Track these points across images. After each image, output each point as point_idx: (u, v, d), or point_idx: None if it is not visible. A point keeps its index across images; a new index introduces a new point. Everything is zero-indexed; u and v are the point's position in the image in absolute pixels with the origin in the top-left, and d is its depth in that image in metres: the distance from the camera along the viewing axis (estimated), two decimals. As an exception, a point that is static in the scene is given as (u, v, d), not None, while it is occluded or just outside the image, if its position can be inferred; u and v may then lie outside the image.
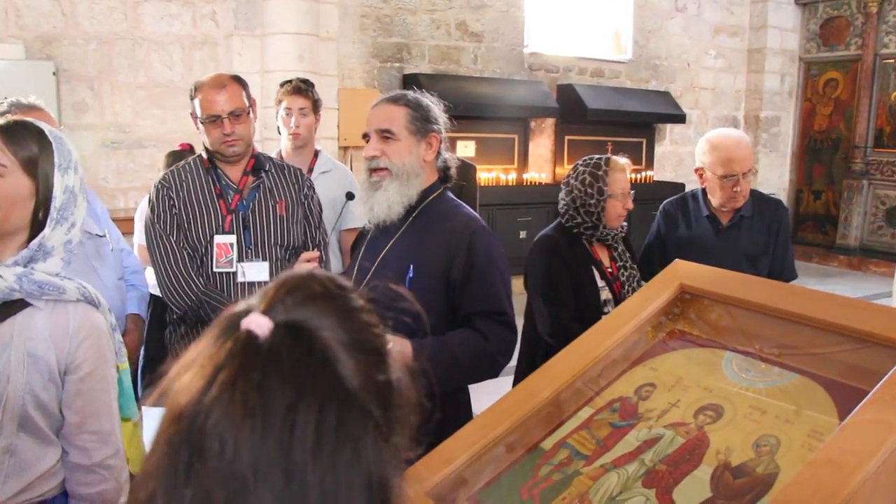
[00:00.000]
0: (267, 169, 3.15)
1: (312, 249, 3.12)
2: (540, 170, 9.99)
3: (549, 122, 10.03)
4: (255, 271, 2.95)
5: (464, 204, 2.65)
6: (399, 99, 2.65)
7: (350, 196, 3.36)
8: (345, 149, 7.94)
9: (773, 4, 11.73)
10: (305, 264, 2.86)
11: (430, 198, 2.67)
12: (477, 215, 2.64)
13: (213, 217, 3.02)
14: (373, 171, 2.63)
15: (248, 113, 3.03)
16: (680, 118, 10.70)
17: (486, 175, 9.36)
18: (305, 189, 3.20)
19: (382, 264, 2.60)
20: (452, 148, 2.71)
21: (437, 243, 2.56)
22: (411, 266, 2.56)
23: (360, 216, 2.73)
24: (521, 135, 9.69)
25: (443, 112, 2.67)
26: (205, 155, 3.11)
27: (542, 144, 10.00)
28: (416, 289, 2.43)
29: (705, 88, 11.29)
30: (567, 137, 10.17)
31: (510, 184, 9.46)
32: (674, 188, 10.24)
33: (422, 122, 2.61)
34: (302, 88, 3.95)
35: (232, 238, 2.98)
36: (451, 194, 2.71)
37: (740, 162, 3.52)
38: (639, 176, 10.50)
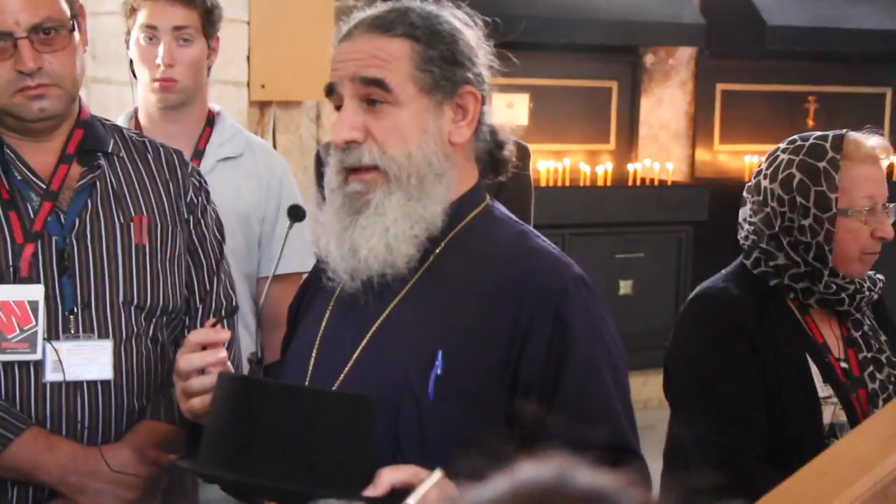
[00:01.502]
0: (110, 150, 2.12)
1: (206, 315, 2.14)
2: (663, 155, 7.07)
3: (684, 56, 7.26)
4: (84, 361, 1.99)
5: (531, 228, 1.80)
6: (396, 21, 1.70)
7: (296, 215, 1.93)
8: (262, 105, 5.85)
9: None
10: (202, 355, 1.71)
11: (470, 216, 1.75)
12: (561, 254, 1.77)
13: None
14: (350, 171, 1.70)
15: (71, 31, 2.03)
16: (965, 40, 7.65)
17: (550, 164, 6.72)
18: (191, 191, 2.18)
19: (374, 352, 1.70)
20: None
21: (489, 309, 1.68)
22: (439, 353, 1.65)
23: (302, 252, 2.26)
24: (623, 82, 6.99)
25: (483, 40, 1.77)
26: None
27: (668, 102, 7.16)
28: (449, 397, 1.64)
29: None
30: (721, 87, 7.21)
31: (600, 182, 6.64)
32: None
33: (446, 66, 1.69)
34: None
35: (35, 291, 2.00)
36: (501, 207, 1.83)
37: None
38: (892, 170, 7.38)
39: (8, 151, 1.99)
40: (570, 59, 6.91)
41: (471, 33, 1.74)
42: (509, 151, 1.81)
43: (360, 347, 1.70)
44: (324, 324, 1.76)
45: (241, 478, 1.48)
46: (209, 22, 2.82)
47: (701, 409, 2.49)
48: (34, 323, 1.96)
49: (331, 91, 1.69)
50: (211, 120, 2.82)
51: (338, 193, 1.70)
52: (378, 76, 1.62)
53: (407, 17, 1.72)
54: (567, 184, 6.60)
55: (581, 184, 6.57)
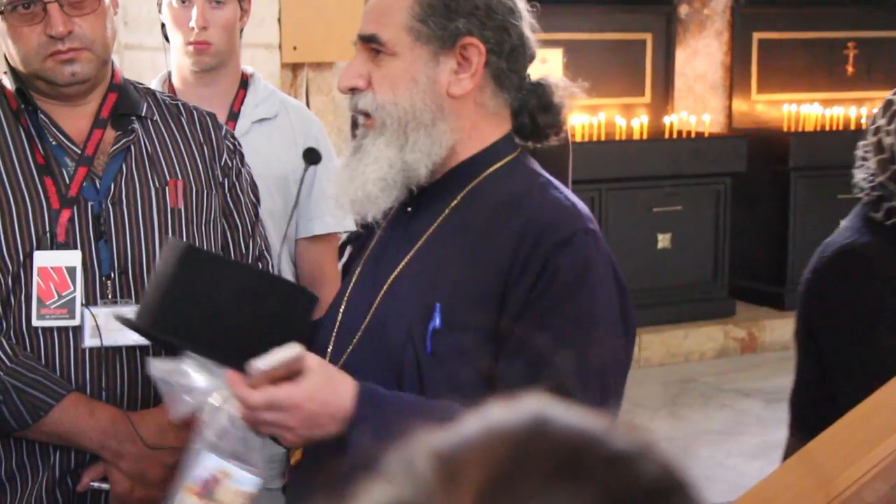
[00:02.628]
0: (143, 114, 2.09)
1: None
2: (699, 107, 6.94)
3: (720, 5, 7.14)
4: (122, 327, 1.88)
5: (554, 181, 1.74)
6: None
7: (312, 158, 2.05)
8: (294, 67, 5.75)
9: None
10: None
11: (491, 169, 1.72)
12: (579, 205, 1.71)
13: (31, 213, 1.99)
14: (362, 128, 1.75)
15: None
16: None
17: (584, 119, 6.64)
18: (225, 154, 2.15)
19: (384, 309, 1.71)
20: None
21: (490, 258, 1.66)
22: (437, 306, 1.65)
23: (338, 211, 2.12)
24: (658, 33, 6.81)
25: None
26: (9, 84, 2.05)
27: (704, 53, 7.06)
28: (445, 350, 1.62)
29: None
30: (758, 35, 7.00)
31: (636, 136, 6.47)
32: None
33: (445, 16, 1.67)
34: None
35: (73, 256, 1.97)
36: (535, 163, 1.77)
37: None
38: None
39: (42, 116, 1.96)
40: (602, 13, 6.74)
41: None
42: (559, 115, 1.74)
43: (376, 302, 1.70)
44: (353, 281, 1.78)
45: (147, 331, 1.59)
46: None
47: (861, 364, 2.40)
48: (72, 289, 1.94)
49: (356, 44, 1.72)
50: (245, 82, 2.76)
51: (354, 138, 1.75)
52: (371, 31, 1.65)
53: None
54: (602, 138, 6.43)
55: (616, 138, 6.41)
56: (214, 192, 2.07)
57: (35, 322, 1.92)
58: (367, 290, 1.72)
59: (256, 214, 2.15)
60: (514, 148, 1.71)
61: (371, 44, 1.65)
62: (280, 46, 5.88)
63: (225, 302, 1.52)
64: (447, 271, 1.65)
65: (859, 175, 2.41)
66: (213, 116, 2.13)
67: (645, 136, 6.32)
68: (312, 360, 1.47)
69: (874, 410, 1.61)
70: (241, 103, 2.74)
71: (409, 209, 1.71)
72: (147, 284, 1.60)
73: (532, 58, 1.73)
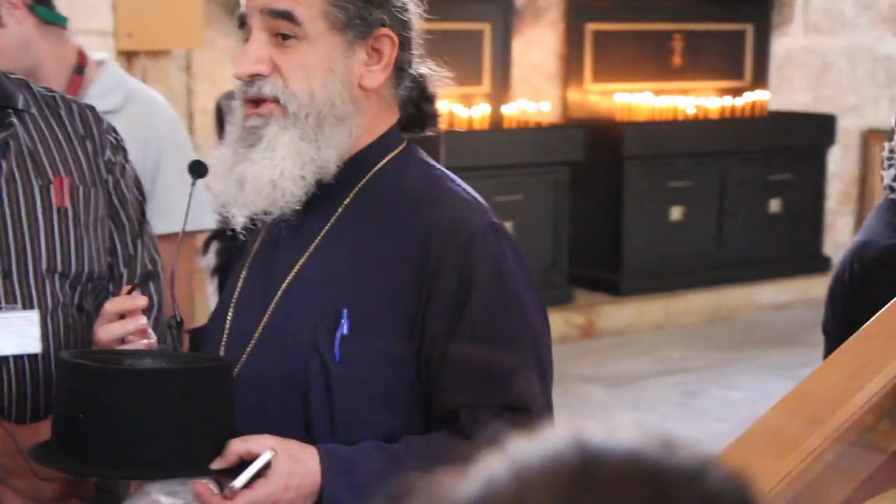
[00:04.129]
0: (20, 107, 1.95)
1: (131, 280, 1.98)
2: (536, 97, 6.90)
3: None
4: (9, 334, 1.86)
5: (448, 173, 1.70)
6: None
7: (198, 171, 1.82)
8: (129, 56, 5.43)
9: None
10: (120, 324, 1.64)
11: (382, 163, 1.66)
12: (478, 198, 1.66)
13: None
14: (251, 104, 1.62)
15: None
16: (825, -22, 7.55)
17: None
18: (108, 150, 2.02)
19: (282, 313, 1.63)
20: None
21: (395, 261, 1.60)
22: (344, 311, 1.58)
23: (194, 210, 1.88)
24: (496, 25, 6.78)
25: None
26: None
27: (539, 44, 7.06)
28: (356, 358, 1.57)
29: None
30: (590, 26, 7.07)
31: (476, 125, 6.41)
32: (812, 126, 7.35)
33: (361, 4, 1.60)
34: None
35: None
36: (423, 153, 1.72)
37: None
38: (736, 102, 7.24)
39: None
40: (441, 2, 6.39)
41: None
42: (436, 104, 1.70)
43: (270, 308, 1.61)
44: (239, 285, 1.68)
45: (76, 468, 1.42)
46: None
47: None
48: None
49: (242, 23, 1.59)
50: (80, 67, 2.57)
51: (237, 127, 1.62)
52: (287, 8, 1.53)
53: None
54: (445, 127, 6.21)
55: (457, 128, 6.25)
56: (100, 189, 1.96)
57: None
58: (256, 295, 1.63)
59: (143, 212, 2.05)
60: (400, 139, 1.66)
61: (280, 21, 1.54)
62: (114, 33, 5.60)
63: (141, 414, 1.39)
64: (350, 274, 1.58)
65: (888, 175, 2.38)
66: (92, 109, 2.01)
67: (486, 126, 6.28)
68: (272, 442, 1.41)
69: (796, 405, 1.53)
70: (76, 91, 2.53)
71: (299, 207, 1.60)
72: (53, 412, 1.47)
73: (413, 44, 1.66)
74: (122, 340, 1.54)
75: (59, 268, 1.86)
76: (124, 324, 1.56)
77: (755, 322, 6.45)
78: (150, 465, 1.38)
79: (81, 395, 1.40)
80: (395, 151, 1.64)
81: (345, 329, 1.55)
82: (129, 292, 1.62)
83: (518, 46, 6.68)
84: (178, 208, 2.44)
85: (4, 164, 1.84)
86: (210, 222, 2.62)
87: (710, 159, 6.59)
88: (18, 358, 1.78)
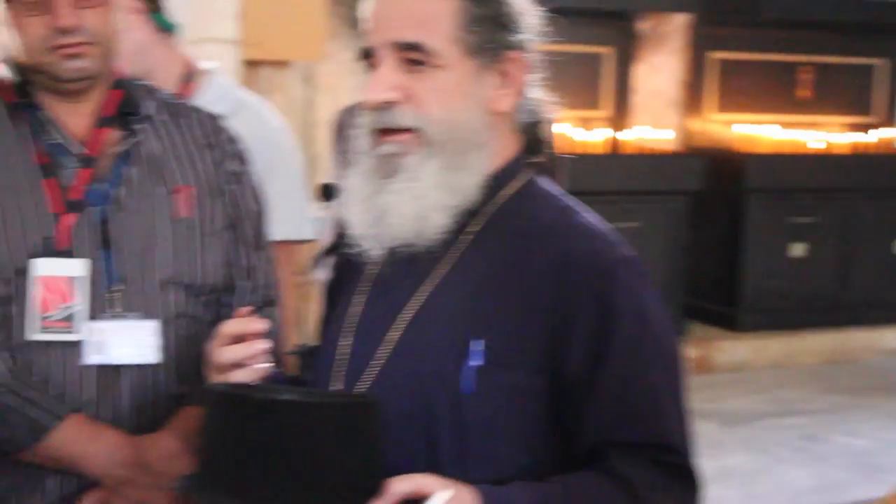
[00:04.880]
0: (149, 113, 1.95)
1: (249, 293, 1.98)
2: (656, 121, 6.84)
3: (678, 24, 7.09)
4: (127, 343, 1.84)
5: (576, 203, 1.67)
6: None
7: (328, 193, 2.14)
8: (251, 65, 5.39)
9: None
10: (242, 347, 1.59)
11: (508, 190, 1.62)
12: (608, 228, 1.63)
13: (31, 217, 1.85)
14: (384, 133, 1.57)
15: None
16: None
17: None
18: (230, 160, 2.01)
19: (409, 341, 1.57)
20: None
21: (529, 295, 1.56)
22: (478, 343, 1.54)
23: (297, 218, 2.19)
24: (616, 50, 6.76)
25: (532, 3, 1.67)
26: (6, 75, 1.95)
27: (662, 70, 7.02)
28: (489, 391, 1.52)
29: None
30: (714, 55, 7.04)
31: (592, 150, 6.33)
32: None
33: (493, 27, 1.57)
34: None
35: (75, 266, 1.83)
36: (546, 181, 1.68)
37: None
38: (864, 139, 7.03)
39: (44, 113, 1.86)
40: (562, 24, 6.52)
41: None
42: (550, 130, 1.68)
43: (397, 336, 1.58)
44: (359, 307, 1.65)
45: (236, 502, 1.36)
46: None
47: None
48: (75, 301, 1.82)
49: (365, 56, 1.56)
50: (189, 75, 2.61)
51: (368, 156, 1.58)
52: (418, 40, 1.51)
53: None
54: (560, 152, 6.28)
55: (574, 152, 6.28)
56: (220, 199, 1.96)
57: (33, 336, 1.80)
58: (377, 322, 1.60)
59: (263, 223, 2.05)
60: (524, 166, 1.62)
61: (411, 52, 1.52)
62: (238, 42, 5.69)
63: (285, 445, 1.36)
64: (481, 304, 1.55)
65: None
66: (215, 117, 2.02)
67: (605, 150, 6.27)
68: (432, 481, 1.38)
69: None
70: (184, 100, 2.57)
71: (446, 237, 1.57)
72: (198, 443, 1.45)
73: (533, 69, 1.64)
74: (240, 364, 1.52)
75: (180, 278, 1.87)
76: (246, 348, 1.55)
77: (878, 366, 6.27)
78: (308, 502, 1.34)
79: (240, 428, 1.36)
80: (521, 179, 1.61)
81: (479, 360, 1.52)
82: (248, 314, 1.60)
83: (640, 72, 6.69)
84: (283, 218, 2.48)
85: (130, 171, 1.86)
86: (310, 233, 2.64)
87: (835, 196, 6.47)
88: (135, 367, 1.79)
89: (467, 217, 1.57)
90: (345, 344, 1.62)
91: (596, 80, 6.62)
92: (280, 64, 5.76)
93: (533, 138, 1.66)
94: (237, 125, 2.59)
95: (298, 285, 3.57)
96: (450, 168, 1.54)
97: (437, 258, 1.58)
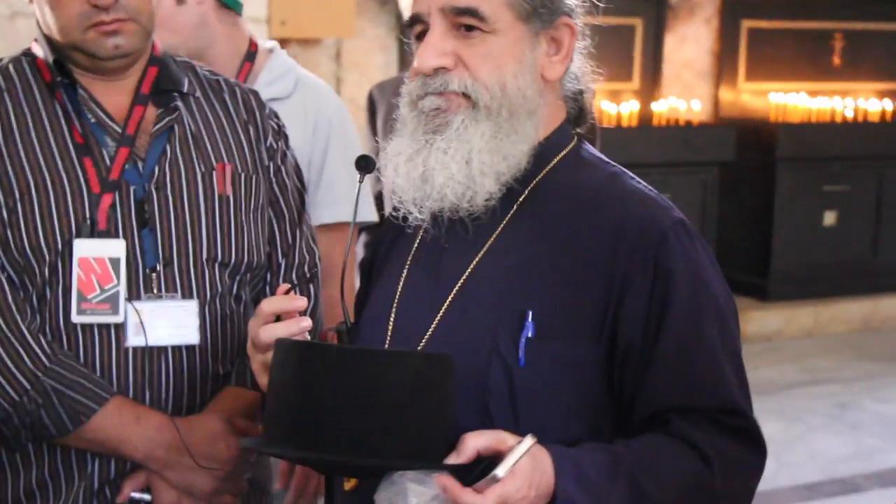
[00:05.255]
0: (186, 90, 1.90)
1: (289, 271, 1.95)
2: (686, 94, 6.73)
3: None
4: (168, 324, 1.79)
5: (625, 170, 1.61)
6: None
7: (367, 165, 1.64)
8: (280, 43, 4.16)
9: None
10: (285, 325, 1.51)
11: (556, 159, 1.58)
12: (661, 195, 1.58)
13: (69, 197, 1.79)
14: (433, 97, 1.51)
15: None
16: None
17: None
18: (270, 136, 1.96)
19: (458, 313, 1.52)
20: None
21: (582, 262, 1.51)
22: (529, 313, 1.49)
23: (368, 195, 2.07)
24: (648, 20, 6.61)
25: None
26: (43, 55, 1.85)
27: (692, 40, 6.88)
28: (542, 361, 1.48)
29: None
30: (745, 23, 6.85)
31: (625, 122, 6.28)
32: None
33: None
34: None
35: (116, 246, 1.78)
36: (592, 149, 1.64)
37: None
38: (892, 105, 6.90)
39: (81, 92, 1.79)
40: None
41: None
42: (591, 99, 1.64)
43: (443, 308, 1.53)
44: (401, 282, 1.59)
45: (308, 455, 1.33)
46: None
47: None
48: (115, 282, 1.75)
49: (413, 22, 1.52)
50: (252, 54, 2.55)
51: (411, 115, 1.52)
52: (471, 5, 1.46)
53: None
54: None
55: (605, 124, 6.19)
56: (261, 176, 1.91)
57: (75, 318, 1.75)
58: (424, 295, 1.55)
59: (303, 201, 1.99)
60: (571, 135, 1.59)
61: (464, 17, 1.47)
62: (268, 20, 5.56)
63: (362, 397, 1.32)
64: (531, 273, 1.50)
65: None
66: (255, 94, 1.97)
67: (634, 123, 6.17)
68: (507, 436, 1.35)
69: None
70: (246, 77, 2.51)
71: (494, 205, 1.52)
72: (266, 398, 1.41)
73: (581, 36, 1.60)
74: None
75: (220, 257, 1.81)
76: (289, 325, 1.50)
77: (910, 333, 6.21)
78: (392, 454, 1.31)
79: (318, 379, 1.33)
80: (568, 147, 1.58)
81: (530, 331, 1.48)
82: (287, 292, 1.56)
83: (670, 43, 6.56)
84: (344, 198, 2.43)
85: (169, 149, 1.81)
86: (372, 214, 2.57)
87: (867, 163, 6.37)
88: (176, 348, 1.75)
89: (517, 184, 1.52)
90: (392, 318, 1.57)
91: (628, 52, 6.49)
92: (309, 42, 5.64)
93: (577, 107, 1.62)
94: (298, 104, 2.53)
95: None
96: (500, 133, 1.50)
97: (486, 226, 1.53)
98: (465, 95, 1.47)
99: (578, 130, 1.62)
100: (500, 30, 1.47)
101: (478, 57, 1.47)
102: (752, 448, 1.50)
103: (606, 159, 1.60)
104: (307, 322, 1.50)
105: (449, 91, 1.47)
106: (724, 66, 6.69)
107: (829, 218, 6.31)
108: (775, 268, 6.18)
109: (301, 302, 1.51)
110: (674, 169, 6.00)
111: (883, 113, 6.59)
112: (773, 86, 6.58)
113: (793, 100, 6.46)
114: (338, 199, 2.48)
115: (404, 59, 5.62)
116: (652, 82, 6.50)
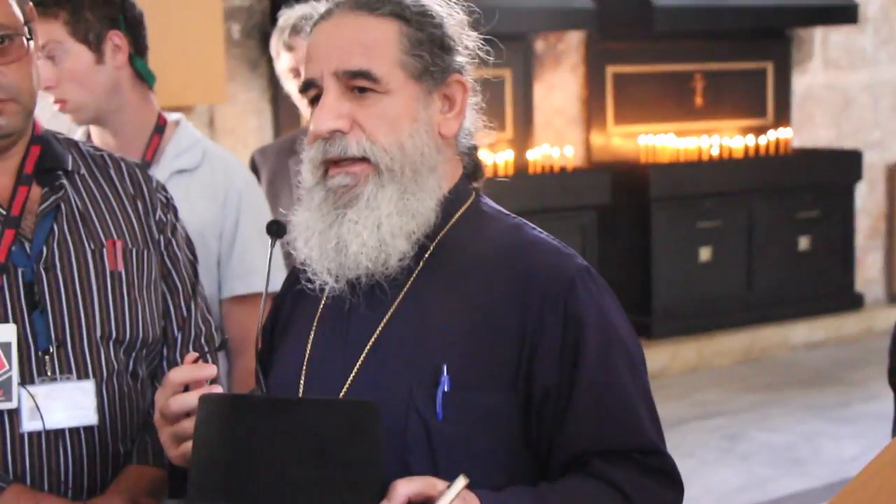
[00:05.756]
0: (70, 168, 1.89)
1: (185, 345, 1.94)
2: (559, 139, 6.83)
3: (575, 42, 7.06)
4: (64, 406, 1.77)
5: (524, 220, 1.65)
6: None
7: (277, 231, 1.66)
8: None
9: None
10: (193, 395, 1.48)
11: (458, 213, 1.60)
12: (558, 241, 1.63)
13: None
14: (335, 164, 1.53)
15: (25, 42, 1.80)
16: (845, 13, 7.29)
17: None
18: (159, 209, 1.97)
19: (371, 372, 1.53)
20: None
21: (492, 314, 1.54)
22: (444, 367, 1.50)
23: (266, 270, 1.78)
24: (516, 71, 6.69)
25: (465, 20, 1.61)
26: None
27: (560, 88, 6.98)
28: (460, 415, 1.49)
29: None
30: (610, 69, 7.03)
31: (501, 171, 6.32)
32: (837, 162, 7.30)
33: (436, 51, 1.55)
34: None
35: (6, 331, 1.77)
36: (490, 202, 1.68)
37: None
38: (759, 141, 7.14)
39: None
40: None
41: (457, 17, 1.58)
42: (479, 150, 1.66)
43: (355, 369, 1.53)
44: (309, 344, 1.58)
45: None
46: (79, 25, 2.39)
47: None
48: (7, 367, 1.74)
49: (307, 87, 1.52)
50: (161, 127, 2.55)
51: (318, 189, 1.53)
52: (363, 67, 1.49)
53: None
54: None
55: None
56: (152, 251, 1.88)
57: None
58: (334, 357, 1.54)
59: (195, 273, 1.97)
60: (469, 190, 1.60)
61: (357, 80, 1.49)
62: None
63: (289, 446, 1.32)
64: (443, 328, 1.51)
65: None
66: (141, 167, 1.95)
67: (511, 172, 6.22)
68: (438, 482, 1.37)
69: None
70: (155, 151, 2.51)
71: (408, 264, 1.54)
72: (192, 455, 1.39)
73: (474, 91, 1.64)
74: (189, 414, 1.46)
75: (114, 334, 1.80)
76: (195, 395, 1.47)
77: (789, 362, 6.38)
78: (324, 503, 1.31)
79: (243, 431, 1.32)
80: (469, 202, 1.59)
81: (446, 385, 1.48)
82: (195, 361, 1.54)
83: (539, 91, 6.63)
84: (257, 268, 2.45)
85: (56, 228, 1.78)
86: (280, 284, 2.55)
87: (736, 198, 6.55)
88: (74, 430, 1.72)
89: (426, 240, 1.54)
90: (302, 382, 1.56)
91: (500, 103, 6.56)
92: (182, 109, 5.40)
93: (472, 162, 1.63)
94: (206, 175, 2.55)
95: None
96: (407, 193, 1.51)
97: (397, 285, 1.54)
98: (365, 159, 1.47)
99: (475, 185, 1.64)
100: (394, 90, 1.49)
101: (373, 118, 1.49)
102: (669, 485, 1.54)
103: (506, 211, 1.63)
104: (217, 389, 1.49)
105: (349, 156, 1.48)
106: (592, 112, 6.80)
107: (705, 254, 6.45)
108: (657, 305, 6.29)
109: (210, 370, 1.50)
110: (552, 214, 6.06)
111: (746, 149, 6.79)
112: (641, 128, 6.72)
113: (661, 140, 6.61)
114: (251, 270, 2.49)
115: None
116: (525, 131, 6.57)
